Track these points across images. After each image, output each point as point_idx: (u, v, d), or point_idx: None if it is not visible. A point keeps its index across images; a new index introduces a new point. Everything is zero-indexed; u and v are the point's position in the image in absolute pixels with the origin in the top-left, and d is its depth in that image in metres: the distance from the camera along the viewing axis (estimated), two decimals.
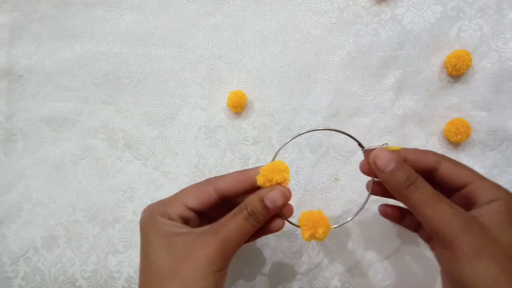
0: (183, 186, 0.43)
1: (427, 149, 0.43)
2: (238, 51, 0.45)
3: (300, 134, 0.36)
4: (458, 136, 0.42)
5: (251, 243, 0.42)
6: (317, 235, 0.33)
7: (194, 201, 0.33)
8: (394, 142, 0.44)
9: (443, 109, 0.44)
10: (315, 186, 0.44)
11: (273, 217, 0.34)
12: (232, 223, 0.32)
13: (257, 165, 0.44)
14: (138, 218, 0.43)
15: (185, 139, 0.44)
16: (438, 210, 0.29)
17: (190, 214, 0.33)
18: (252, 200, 0.32)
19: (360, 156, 0.44)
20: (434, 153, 0.33)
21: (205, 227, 0.32)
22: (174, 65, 0.45)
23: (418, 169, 0.32)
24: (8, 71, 0.45)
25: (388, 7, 0.45)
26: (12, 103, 0.45)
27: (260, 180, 0.33)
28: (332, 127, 0.36)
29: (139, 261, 0.43)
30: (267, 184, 0.33)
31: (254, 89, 0.45)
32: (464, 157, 0.44)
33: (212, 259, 0.30)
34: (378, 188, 0.35)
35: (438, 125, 0.44)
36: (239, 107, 0.43)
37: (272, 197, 0.32)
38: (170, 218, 0.33)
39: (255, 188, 0.33)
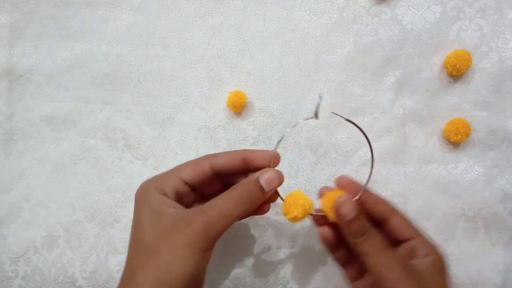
0: None
1: (427, 149, 0.44)
2: (238, 51, 0.45)
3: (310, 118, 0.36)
4: (458, 136, 0.42)
5: (250, 240, 0.42)
6: (291, 214, 0.34)
7: (189, 175, 0.33)
8: (394, 142, 0.44)
9: (443, 109, 0.44)
10: (315, 186, 0.44)
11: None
12: (221, 204, 0.31)
13: None
14: None
15: (185, 139, 0.44)
16: (384, 259, 0.32)
17: (185, 189, 0.33)
18: (246, 181, 0.33)
19: (360, 156, 0.44)
20: (388, 205, 0.36)
21: (193, 208, 0.32)
22: (174, 65, 0.45)
23: (373, 214, 0.35)
24: (8, 71, 0.45)
25: (388, 7, 0.45)
26: (12, 103, 0.45)
27: (285, 212, 0.34)
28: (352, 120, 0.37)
29: None
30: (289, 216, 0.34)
31: (254, 89, 0.45)
32: (464, 157, 0.44)
33: (193, 240, 0.29)
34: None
35: (438, 125, 0.44)
36: (239, 107, 0.43)
37: (268, 178, 0.33)
38: (164, 193, 0.32)
39: (249, 168, 0.34)
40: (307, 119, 0.36)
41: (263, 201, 0.34)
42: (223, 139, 0.44)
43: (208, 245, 0.30)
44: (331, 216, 0.34)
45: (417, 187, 0.44)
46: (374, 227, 0.34)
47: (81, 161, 0.44)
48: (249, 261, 0.43)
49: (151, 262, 0.29)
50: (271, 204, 0.36)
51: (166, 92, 0.45)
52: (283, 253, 0.43)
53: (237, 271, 0.43)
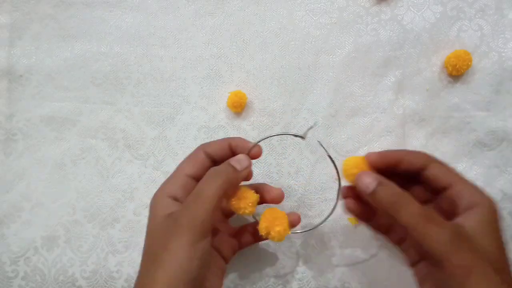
0: None
1: (427, 149, 0.44)
2: (238, 51, 0.45)
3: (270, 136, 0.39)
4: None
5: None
6: (272, 233, 0.35)
7: (191, 168, 0.35)
8: (394, 142, 0.44)
9: (443, 109, 0.44)
10: (315, 186, 0.44)
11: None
12: (200, 192, 0.33)
13: (257, 165, 0.44)
14: (138, 218, 0.44)
15: (185, 139, 0.45)
16: (426, 229, 0.29)
17: (192, 183, 0.35)
18: (218, 166, 0.35)
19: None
20: (422, 154, 0.34)
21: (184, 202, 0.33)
22: (174, 65, 0.45)
23: (409, 168, 0.33)
24: (8, 71, 0.45)
25: (388, 7, 0.45)
26: (12, 103, 0.45)
27: (262, 231, 0.35)
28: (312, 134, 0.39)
29: (139, 261, 0.43)
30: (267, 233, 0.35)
31: (254, 89, 0.45)
32: (463, 157, 0.44)
33: (185, 237, 0.30)
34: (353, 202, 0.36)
35: (438, 125, 0.44)
36: (239, 107, 0.43)
37: (237, 158, 0.35)
38: (174, 195, 0.34)
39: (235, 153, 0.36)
40: (296, 136, 0.37)
41: (241, 180, 0.35)
42: None
43: (198, 236, 0.31)
44: (349, 181, 0.34)
45: None
46: (408, 184, 0.32)
47: (81, 161, 0.44)
48: (249, 262, 0.43)
49: (162, 256, 0.31)
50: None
51: (166, 92, 0.45)
52: (283, 253, 0.43)
53: (237, 272, 0.43)
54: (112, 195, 0.44)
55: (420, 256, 0.33)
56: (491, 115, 0.44)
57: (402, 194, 0.31)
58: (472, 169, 0.43)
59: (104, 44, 0.45)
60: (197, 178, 0.35)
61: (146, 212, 0.44)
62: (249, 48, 0.45)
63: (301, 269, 0.43)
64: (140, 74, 0.45)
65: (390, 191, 0.31)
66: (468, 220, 0.30)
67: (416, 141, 0.44)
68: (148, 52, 0.45)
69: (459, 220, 0.30)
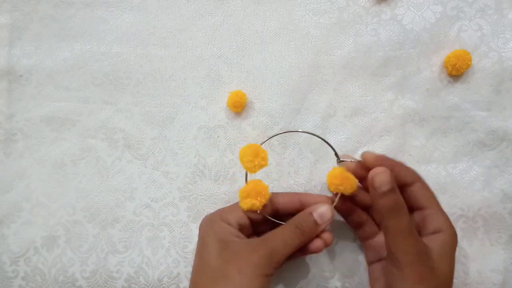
0: (182, 186, 0.44)
1: (427, 149, 0.44)
2: (238, 51, 0.45)
3: (277, 134, 0.41)
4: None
5: None
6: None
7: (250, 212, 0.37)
8: (394, 142, 0.44)
9: (443, 109, 0.44)
10: (315, 186, 0.44)
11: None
12: (280, 234, 0.35)
13: None
14: (138, 218, 0.44)
15: (185, 139, 0.45)
16: (403, 243, 0.33)
17: (247, 222, 0.37)
18: (301, 215, 0.36)
19: (359, 155, 0.44)
20: (413, 172, 0.37)
21: (257, 238, 0.36)
22: (174, 65, 0.45)
23: (397, 179, 0.36)
24: (8, 71, 0.45)
25: (388, 7, 0.45)
26: (12, 103, 0.45)
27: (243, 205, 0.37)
28: (317, 132, 0.40)
29: (138, 261, 0.43)
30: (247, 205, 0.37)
31: (254, 89, 0.45)
32: (463, 157, 0.44)
33: (258, 264, 0.33)
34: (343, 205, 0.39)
35: (438, 125, 0.44)
36: (239, 107, 0.43)
37: (321, 212, 0.36)
38: (229, 223, 0.36)
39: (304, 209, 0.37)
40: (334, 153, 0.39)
41: (317, 235, 0.36)
42: (223, 139, 0.44)
43: (271, 270, 0.34)
44: (332, 189, 0.37)
45: None
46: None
47: (81, 161, 0.44)
48: None
49: (220, 284, 0.33)
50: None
51: (166, 92, 0.45)
52: None
53: None
54: (112, 195, 0.44)
55: (378, 258, 0.38)
56: (491, 115, 0.44)
57: (402, 206, 0.34)
58: (472, 169, 0.43)
59: (104, 44, 0.45)
60: (253, 221, 0.38)
61: (146, 212, 0.44)
62: (249, 48, 0.45)
63: (301, 269, 0.43)
64: (140, 74, 0.45)
65: (396, 200, 0.34)
66: (433, 242, 0.34)
67: (416, 141, 0.44)
68: (148, 52, 0.45)
69: (426, 239, 0.35)
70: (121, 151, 0.45)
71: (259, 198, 0.36)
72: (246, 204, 0.37)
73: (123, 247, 0.44)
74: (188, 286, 0.43)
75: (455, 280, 0.42)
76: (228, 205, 0.40)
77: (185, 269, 0.43)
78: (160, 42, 0.45)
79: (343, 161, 0.38)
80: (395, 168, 0.36)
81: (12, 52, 0.45)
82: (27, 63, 0.45)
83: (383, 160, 0.36)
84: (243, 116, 0.45)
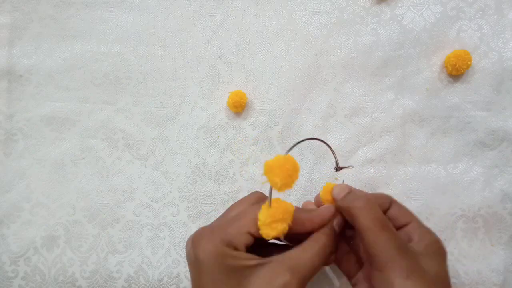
0: (182, 186, 0.44)
1: (427, 149, 0.44)
2: (238, 51, 0.45)
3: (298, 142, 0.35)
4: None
5: None
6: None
7: (257, 230, 0.31)
8: (394, 142, 0.44)
9: (443, 109, 0.44)
10: (315, 186, 0.44)
11: None
12: (305, 254, 0.31)
13: (257, 165, 0.44)
14: (138, 218, 0.44)
15: (185, 139, 0.45)
16: (379, 234, 0.31)
17: (252, 241, 0.32)
18: (326, 231, 0.33)
19: (360, 156, 0.44)
20: (386, 196, 0.36)
21: (276, 258, 0.31)
22: (174, 65, 0.45)
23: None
24: (8, 71, 0.45)
25: (388, 7, 0.45)
26: (12, 103, 0.45)
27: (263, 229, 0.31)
28: (320, 137, 0.39)
29: (138, 261, 0.43)
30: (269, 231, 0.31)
31: (254, 89, 0.45)
32: (463, 157, 0.44)
33: None
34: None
35: (438, 125, 0.44)
36: (239, 107, 0.43)
37: (338, 223, 0.35)
38: (236, 248, 0.31)
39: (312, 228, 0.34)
40: (338, 167, 0.38)
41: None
42: (223, 139, 0.44)
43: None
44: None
45: (417, 187, 0.44)
46: None
47: (81, 161, 0.44)
48: None
49: None
50: None
51: (166, 92, 0.45)
52: None
53: None
54: (112, 195, 0.44)
55: (358, 268, 0.36)
56: (491, 115, 0.44)
57: (368, 201, 0.33)
58: (472, 169, 0.43)
59: (104, 44, 0.45)
60: (256, 237, 0.32)
61: (146, 212, 0.44)
62: (249, 48, 0.45)
63: None
64: (140, 74, 0.45)
65: (357, 197, 0.34)
66: (419, 245, 0.33)
67: (416, 141, 0.44)
68: (148, 52, 0.45)
69: (412, 245, 0.33)
70: (121, 151, 0.44)
71: (285, 224, 0.31)
72: (275, 230, 0.30)
73: (123, 247, 0.44)
74: (188, 286, 0.43)
75: (455, 280, 0.42)
76: (228, 204, 0.39)
77: (185, 269, 0.43)
78: (160, 42, 0.45)
79: (340, 167, 0.38)
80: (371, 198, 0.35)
81: (12, 52, 0.45)
82: (27, 63, 0.45)
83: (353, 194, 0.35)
84: (243, 116, 0.45)
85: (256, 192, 0.36)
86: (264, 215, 0.30)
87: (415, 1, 0.44)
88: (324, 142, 0.36)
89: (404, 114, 0.44)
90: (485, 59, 0.44)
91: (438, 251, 0.33)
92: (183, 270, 0.43)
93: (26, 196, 0.44)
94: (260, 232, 0.31)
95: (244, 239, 0.31)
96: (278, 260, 0.31)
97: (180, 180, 0.44)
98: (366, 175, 0.36)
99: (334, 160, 0.37)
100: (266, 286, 0.29)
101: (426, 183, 0.43)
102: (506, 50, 0.44)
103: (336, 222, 0.35)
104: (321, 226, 0.34)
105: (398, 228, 0.35)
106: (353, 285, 0.36)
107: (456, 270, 0.43)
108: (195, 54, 0.45)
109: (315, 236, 0.33)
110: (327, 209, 0.35)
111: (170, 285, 0.43)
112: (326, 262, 0.35)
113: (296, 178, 0.30)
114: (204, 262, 0.30)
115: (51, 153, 0.44)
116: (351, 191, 0.34)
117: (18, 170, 0.44)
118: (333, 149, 0.37)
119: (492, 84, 0.44)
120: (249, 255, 0.31)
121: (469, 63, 0.42)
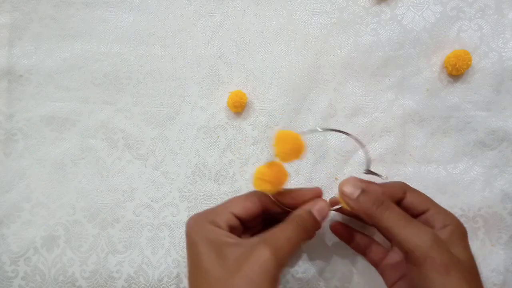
0: (182, 186, 0.44)
1: (427, 149, 0.44)
2: (238, 51, 0.45)
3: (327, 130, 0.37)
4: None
5: None
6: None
7: (240, 210, 0.35)
8: (394, 142, 0.44)
9: (443, 109, 0.44)
10: (315, 186, 0.44)
11: None
12: (283, 232, 0.33)
13: (257, 165, 0.44)
14: (138, 218, 0.44)
15: (185, 139, 0.45)
16: (409, 230, 0.32)
17: (236, 223, 0.35)
18: (301, 213, 0.35)
19: (360, 156, 0.44)
20: (400, 185, 0.37)
21: (255, 238, 0.33)
22: (174, 65, 0.45)
23: (392, 199, 0.35)
24: (8, 71, 0.45)
25: (388, 7, 0.45)
26: (12, 103, 0.45)
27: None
28: (345, 130, 0.38)
29: (138, 261, 0.43)
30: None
31: (254, 89, 0.45)
32: (463, 157, 0.44)
33: (266, 269, 0.30)
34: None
35: (438, 125, 0.44)
36: (239, 107, 0.43)
37: (319, 208, 0.35)
38: (218, 226, 0.34)
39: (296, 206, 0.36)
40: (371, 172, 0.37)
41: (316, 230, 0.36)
42: (223, 139, 0.44)
43: (278, 271, 0.31)
44: (346, 206, 0.35)
45: (417, 187, 0.43)
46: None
47: (81, 161, 0.44)
48: None
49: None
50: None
51: (166, 92, 0.45)
52: None
53: None
54: (112, 195, 0.44)
55: (398, 276, 0.36)
56: (491, 115, 0.44)
57: (383, 201, 0.33)
58: (472, 169, 0.43)
59: (104, 44, 0.45)
60: (241, 220, 0.35)
61: (146, 212, 0.44)
62: (249, 48, 0.45)
63: (301, 269, 0.43)
64: (140, 74, 0.45)
65: (373, 198, 0.33)
66: (442, 233, 0.33)
67: (416, 141, 0.44)
68: (148, 52, 0.45)
69: (438, 234, 0.33)
70: (121, 151, 0.44)
71: (270, 185, 0.34)
72: (260, 187, 0.34)
73: (123, 247, 0.44)
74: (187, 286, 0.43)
75: None
76: None
77: (185, 269, 0.43)
78: (160, 42, 0.45)
79: (369, 173, 0.37)
80: (383, 188, 0.35)
81: (12, 52, 0.45)
82: (27, 63, 0.45)
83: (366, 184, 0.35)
84: (243, 116, 0.45)
85: (255, 191, 0.37)
86: (258, 170, 0.34)
87: (415, 1, 0.44)
88: (357, 140, 0.36)
89: (404, 114, 0.44)
90: (485, 59, 0.44)
91: (462, 235, 0.34)
92: (183, 270, 0.43)
93: (26, 196, 0.44)
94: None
95: (226, 218, 0.34)
96: (257, 239, 0.32)
97: (180, 180, 0.44)
98: (366, 175, 0.36)
99: (366, 161, 0.37)
100: (245, 262, 0.30)
101: (426, 183, 0.43)
102: (506, 50, 0.44)
103: (318, 207, 0.35)
104: (301, 204, 0.36)
105: (417, 215, 0.35)
106: (381, 273, 0.38)
107: None
108: (195, 54, 0.45)
109: (292, 215, 0.35)
110: (310, 191, 0.36)
111: (170, 285, 0.43)
112: (306, 240, 0.35)
113: (295, 157, 0.33)
114: (191, 237, 0.34)
115: (51, 153, 0.44)
116: (364, 191, 0.34)
117: (18, 170, 0.44)
118: (367, 150, 0.37)
119: (492, 84, 0.44)
120: (230, 234, 0.33)
121: (469, 63, 0.42)
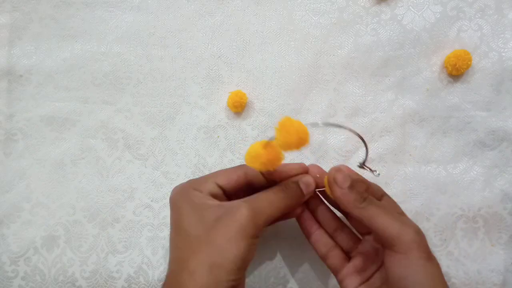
0: None
1: (427, 149, 0.44)
2: (238, 51, 0.45)
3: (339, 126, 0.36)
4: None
5: None
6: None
7: (224, 180, 0.35)
8: (394, 142, 0.44)
9: (443, 109, 0.44)
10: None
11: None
12: (265, 195, 0.34)
13: None
14: (138, 218, 0.44)
15: (184, 139, 0.45)
16: (395, 218, 0.32)
17: (219, 192, 0.35)
18: (288, 182, 0.35)
19: (359, 156, 0.44)
20: (379, 187, 0.37)
21: (237, 201, 0.33)
22: (174, 65, 0.45)
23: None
24: (8, 71, 0.45)
25: (388, 7, 0.45)
26: (12, 103, 0.45)
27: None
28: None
29: (139, 261, 0.43)
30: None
31: (254, 89, 0.45)
32: (463, 157, 0.44)
33: (243, 226, 0.31)
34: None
35: (438, 125, 0.44)
36: (239, 107, 0.43)
37: (306, 181, 0.35)
38: (201, 192, 0.34)
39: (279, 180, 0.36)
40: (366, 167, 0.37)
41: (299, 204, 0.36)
42: (223, 139, 0.44)
43: (256, 231, 0.32)
44: (329, 192, 0.35)
45: (417, 187, 0.44)
46: None
47: (81, 161, 0.44)
48: None
49: (203, 250, 0.31)
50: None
51: (166, 92, 0.45)
52: (283, 253, 0.43)
53: None
54: (112, 195, 0.44)
55: (360, 282, 0.35)
56: (491, 115, 0.44)
57: (368, 196, 0.33)
58: (472, 169, 0.43)
59: (104, 44, 0.45)
60: (225, 191, 0.35)
61: (146, 212, 0.44)
62: (249, 48, 0.45)
63: (302, 269, 0.43)
64: (140, 74, 0.45)
65: (361, 190, 0.33)
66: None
67: (416, 141, 0.44)
68: (148, 52, 0.45)
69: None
70: (121, 151, 0.44)
71: (268, 166, 0.32)
72: (251, 164, 0.32)
73: (123, 247, 0.44)
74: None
75: (455, 280, 0.42)
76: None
77: None
78: (160, 42, 0.45)
79: (362, 167, 0.37)
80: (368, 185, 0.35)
81: (12, 52, 0.45)
82: (27, 63, 0.45)
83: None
84: (243, 116, 0.45)
85: (244, 165, 0.36)
86: (254, 148, 0.32)
87: (415, 1, 0.44)
88: (361, 137, 0.35)
89: (404, 114, 0.44)
90: (485, 59, 0.44)
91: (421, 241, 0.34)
92: None
93: (26, 196, 0.44)
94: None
95: (209, 186, 0.34)
96: (239, 201, 0.33)
97: (180, 180, 0.44)
98: (366, 175, 0.36)
99: (365, 156, 0.36)
100: (225, 220, 0.31)
101: (426, 183, 0.43)
102: (506, 50, 0.44)
103: (305, 180, 0.35)
104: (288, 178, 0.36)
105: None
106: (340, 280, 0.36)
107: (456, 270, 0.43)
108: (195, 54, 0.45)
109: (278, 184, 0.35)
110: (297, 166, 0.36)
111: None
112: (288, 211, 0.36)
113: (296, 149, 0.31)
114: (174, 202, 0.35)
115: (51, 153, 0.44)
116: (352, 186, 0.33)
117: (18, 170, 0.44)
118: (367, 146, 0.36)
119: (492, 84, 0.44)
120: (212, 198, 0.34)
121: (469, 63, 0.42)
